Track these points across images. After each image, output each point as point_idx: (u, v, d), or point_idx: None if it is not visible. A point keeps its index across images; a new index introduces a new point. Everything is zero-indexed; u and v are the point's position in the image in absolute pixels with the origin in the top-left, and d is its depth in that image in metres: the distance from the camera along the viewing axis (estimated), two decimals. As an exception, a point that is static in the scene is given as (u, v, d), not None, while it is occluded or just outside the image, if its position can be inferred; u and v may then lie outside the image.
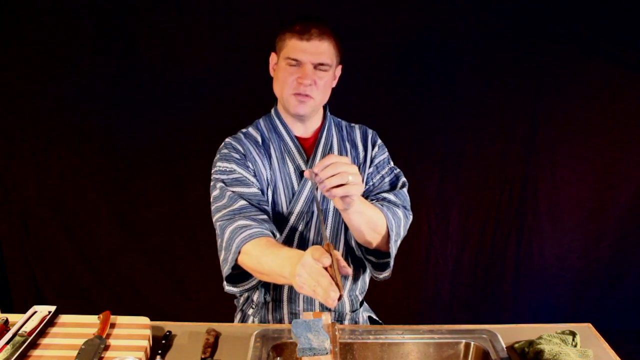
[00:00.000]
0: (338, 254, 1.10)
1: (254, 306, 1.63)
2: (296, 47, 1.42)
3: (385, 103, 2.48)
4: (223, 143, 1.55)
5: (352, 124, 1.65)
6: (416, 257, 2.67)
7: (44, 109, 2.47)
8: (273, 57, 1.52)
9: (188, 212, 2.59)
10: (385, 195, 1.53)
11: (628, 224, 2.63)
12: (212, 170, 1.52)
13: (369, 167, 1.59)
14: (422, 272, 2.70)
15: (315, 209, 1.52)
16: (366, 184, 1.58)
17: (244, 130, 1.59)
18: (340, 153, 1.57)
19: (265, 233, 1.36)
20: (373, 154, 1.60)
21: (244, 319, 1.66)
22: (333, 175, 1.18)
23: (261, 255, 1.30)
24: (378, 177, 1.58)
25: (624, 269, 2.71)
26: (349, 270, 1.11)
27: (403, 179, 1.59)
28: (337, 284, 1.04)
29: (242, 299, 1.68)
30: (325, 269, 1.06)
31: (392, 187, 1.58)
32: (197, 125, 2.47)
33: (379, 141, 1.63)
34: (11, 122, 2.49)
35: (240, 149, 1.52)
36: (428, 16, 2.36)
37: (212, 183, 1.51)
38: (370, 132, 1.63)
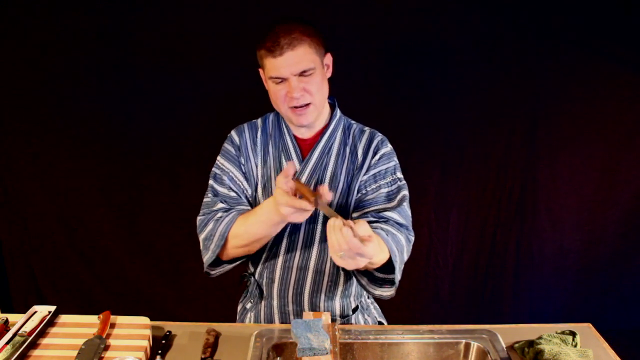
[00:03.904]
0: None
1: (251, 300, 1.66)
2: (273, 65, 1.37)
3: (385, 103, 2.48)
4: (229, 134, 1.58)
5: (365, 128, 1.57)
6: (416, 257, 2.67)
7: (44, 109, 2.47)
8: (261, 72, 1.47)
9: (188, 212, 2.56)
10: (389, 214, 1.45)
11: (628, 224, 2.63)
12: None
13: (364, 174, 1.51)
14: (422, 272, 2.70)
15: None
16: (358, 192, 1.51)
17: (254, 120, 1.59)
18: (337, 157, 1.52)
19: (239, 210, 1.46)
20: (372, 162, 1.51)
21: (243, 311, 1.71)
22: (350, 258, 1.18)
23: (247, 227, 1.40)
24: (373, 186, 1.50)
25: (624, 269, 2.71)
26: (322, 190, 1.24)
27: (404, 192, 1.50)
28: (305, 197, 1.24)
29: (243, 292, 1.73)
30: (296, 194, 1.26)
31: (389, 199, 1.48)
32: (197, 126, 2.47)
33: (385, 149, 1.53)
34: (11, 122, 2.48)
35: (237, 142, 1.54)
36: (427, 16, 2.36)
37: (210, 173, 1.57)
38: (377, 139, 1.54)
